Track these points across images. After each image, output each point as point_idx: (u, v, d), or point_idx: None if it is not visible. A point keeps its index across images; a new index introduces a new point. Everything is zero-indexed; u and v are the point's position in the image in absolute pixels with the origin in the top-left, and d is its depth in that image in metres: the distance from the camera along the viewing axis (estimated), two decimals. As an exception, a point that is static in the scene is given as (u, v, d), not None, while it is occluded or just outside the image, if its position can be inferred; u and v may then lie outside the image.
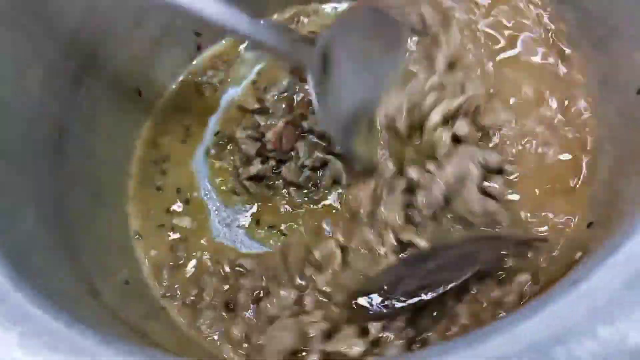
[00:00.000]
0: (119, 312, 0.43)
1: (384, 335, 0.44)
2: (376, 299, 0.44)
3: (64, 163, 0.51)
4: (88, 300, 0.42)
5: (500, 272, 0.45)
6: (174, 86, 0.64)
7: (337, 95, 0.48)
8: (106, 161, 0.57)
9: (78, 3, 0.52)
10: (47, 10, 0.49)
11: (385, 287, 0.44)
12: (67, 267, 0.44)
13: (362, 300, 0.45)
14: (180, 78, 0.64)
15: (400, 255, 0.48)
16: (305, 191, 0.55)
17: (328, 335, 0.45)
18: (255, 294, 0.50)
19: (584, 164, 0.49)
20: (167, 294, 0.52)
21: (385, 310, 0.44)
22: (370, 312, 0.44)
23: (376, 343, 0.44)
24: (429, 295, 0.43)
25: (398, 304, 0.44)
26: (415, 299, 0.43)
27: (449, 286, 0.43)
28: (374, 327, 0.44)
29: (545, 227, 0.47)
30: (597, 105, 0.50)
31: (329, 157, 0.54)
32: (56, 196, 0.48)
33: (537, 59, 0.54)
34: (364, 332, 0.44)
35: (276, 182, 0.56)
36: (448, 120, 0.50)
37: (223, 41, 0.65)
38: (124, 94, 0.60)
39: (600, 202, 0.46)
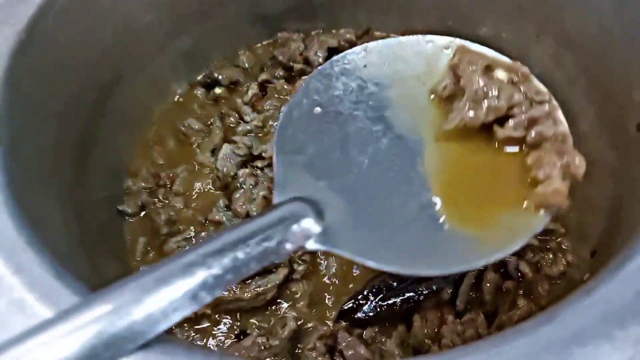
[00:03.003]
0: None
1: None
2: (362, 305, 0.47)
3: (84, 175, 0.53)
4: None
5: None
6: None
7: None
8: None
9: (111, 21, 0.55)
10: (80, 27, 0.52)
11: (370, 296, 0.47)
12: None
13: (349, 306, 0.47)
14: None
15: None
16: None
17: None
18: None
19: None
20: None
21: (371, 315, 0.46)
22: (357, 317, 0.47)
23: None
24: (413, 300, 0.46)
25: (383, 310, 0.46)
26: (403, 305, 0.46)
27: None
28: (367, 332, 0.47)
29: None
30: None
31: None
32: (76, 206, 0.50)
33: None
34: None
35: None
36: None
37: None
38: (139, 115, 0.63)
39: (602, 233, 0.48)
